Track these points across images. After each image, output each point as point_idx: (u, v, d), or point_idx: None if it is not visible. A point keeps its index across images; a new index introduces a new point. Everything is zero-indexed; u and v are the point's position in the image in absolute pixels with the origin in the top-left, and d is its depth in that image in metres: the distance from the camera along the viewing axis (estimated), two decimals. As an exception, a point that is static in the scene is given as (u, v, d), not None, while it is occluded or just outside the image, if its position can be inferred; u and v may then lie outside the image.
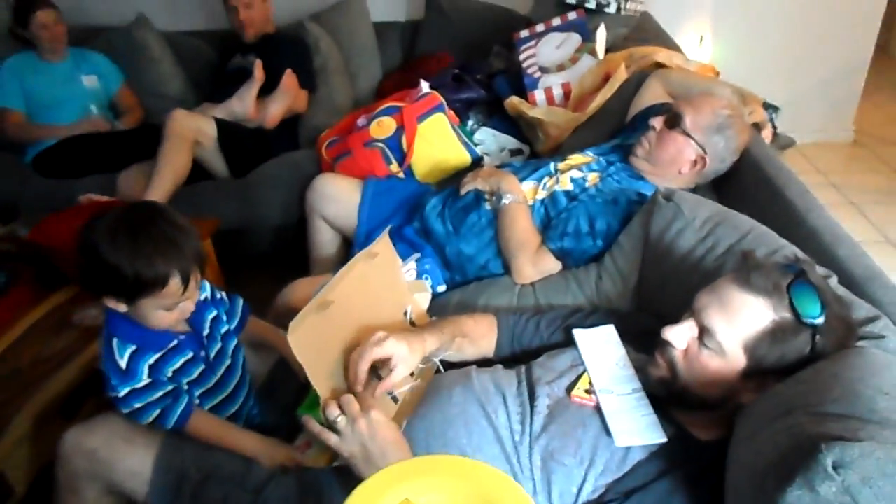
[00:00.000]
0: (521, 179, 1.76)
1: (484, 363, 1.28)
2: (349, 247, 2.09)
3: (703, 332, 1.02)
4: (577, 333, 1.25)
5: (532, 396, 1.13)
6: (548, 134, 2.27)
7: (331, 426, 1.03)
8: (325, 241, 2.13)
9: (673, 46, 2.41)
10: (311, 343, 1.04)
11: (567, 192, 1.71)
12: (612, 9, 2.59)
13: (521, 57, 2.50)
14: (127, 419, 1.22)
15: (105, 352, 1.21)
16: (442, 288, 1.72)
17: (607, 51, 2.42)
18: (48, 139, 2.67)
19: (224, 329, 1.37)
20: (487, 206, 1.76)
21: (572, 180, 1.73)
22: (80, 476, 1.21)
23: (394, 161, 2.20)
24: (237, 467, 1.21)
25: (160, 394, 1.22)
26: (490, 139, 2.45)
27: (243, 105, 2.61)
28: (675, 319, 1.06)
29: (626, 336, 1.23)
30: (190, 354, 1.28)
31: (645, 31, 2.63)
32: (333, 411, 1.02)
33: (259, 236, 2.53)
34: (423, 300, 1.54)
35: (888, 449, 0.73)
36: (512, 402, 1.13)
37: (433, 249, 1.78)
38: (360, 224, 2.00)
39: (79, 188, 2.36)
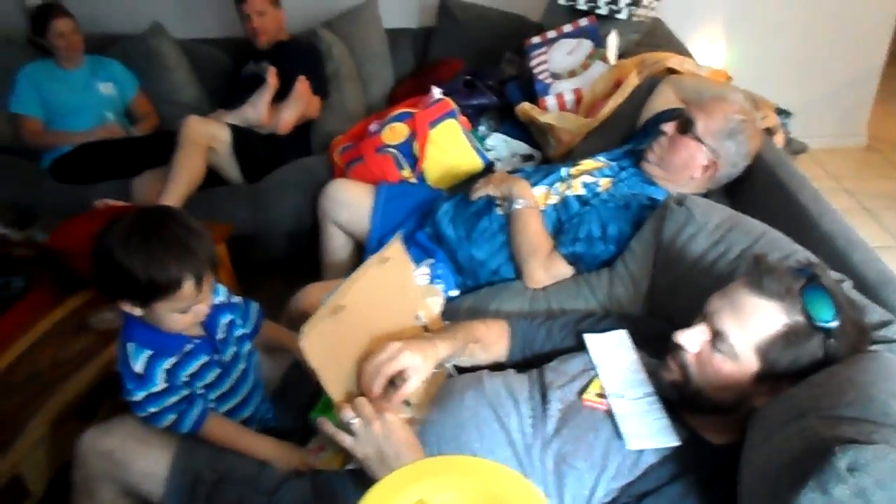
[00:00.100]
0: (533, 185, 1.77)
1: (496, 367, 1.28)
2: (361, 252, 2.10)
3: (716, 336, 1.02)
4: (589, 338, 1.25)
5: (544, 400, 1.13)
6: (559, 139, 2.28)
7: (345, 428, 1.04)
8: (337, 246, 2.14)
9: (684, 52, 2.42)
10: (324, 347, 1.05)
11: (579, 197, 1.71)
12: (623, 15, 2.59)
13: (533, 63, 2.51)
14: (143, 422, 1.23)
15: (121, 356, 1.23)
16: (454, 292, 1.72)
17: (619, 57, 2.43)
18: (65, 145, 2.70)
19: (239, 333, 1.38)
20: (499, 211, 1.76)
21: (584, 185, 1.73)
22: (97, 477, 1.22)
23: (406, 166, 2.21)
24: (251, 470, 1.22)
25: (176, 398, 1.22)
26: (501, 145, 2.46)
27: (256, 111, 2.64)
28: (687, 324, 1.06)
29: (637, 340, 1.23)
30: (205, 358, 1.28)
31: (656, 37, 2.64)
32: (348, 413, 1.03)
33: (272, 241, 2.55)
34: (435, 305, 1.54)
35: (902, 452, 0.73)
36: (524, 405, 1.13)
37: (445, 254, 1.79)
38: (372, 229, 2.01)
39: (95, 194, 2.39)
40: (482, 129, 2.49)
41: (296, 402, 1.39)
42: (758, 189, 1.67)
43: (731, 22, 3.32)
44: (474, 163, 2.25)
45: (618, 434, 1.05)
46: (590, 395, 1.12)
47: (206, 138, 2.45)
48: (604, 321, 1.34)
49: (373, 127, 2.34)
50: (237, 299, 1.42)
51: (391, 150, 2.22)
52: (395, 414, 1.06)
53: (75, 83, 2.81)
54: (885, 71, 3.59)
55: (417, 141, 2.19)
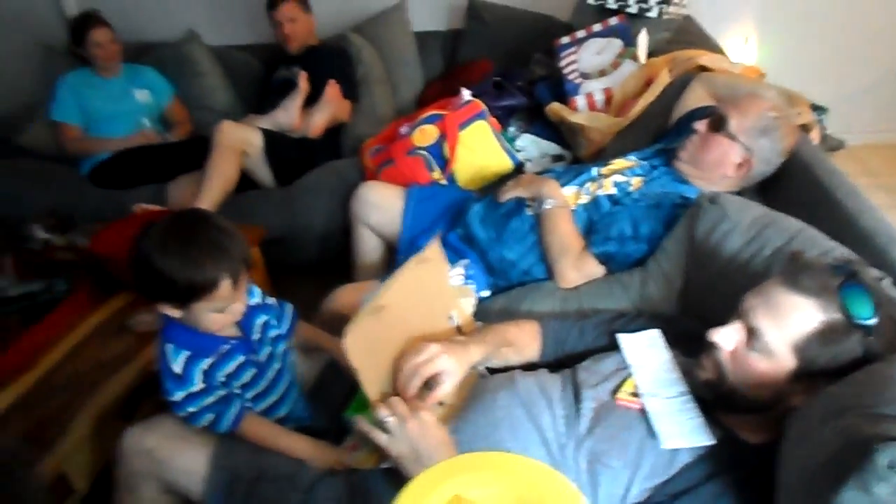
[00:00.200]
0: (563, 185, 1.77)
1: (528, 367, 1.29)
2: (393, 254, 2.11)
3: (751, 334, 1.01)
4: (622, 338, 1.24)
5: (577, 399, 1.13)
6: (590, 139, 2.27)
7: (380, 426, 1.05)
8: (368, 248, 2.16)
9: (716, 49, 2.39)
10: (364, 346, 1.06)
11: (610, 197, 1.70)
12: (653, 13, 2.57)
13: (562, 63, 2.50)
14: (182, 421, 1.26)
15: (160, 357, 1.25)
16: (486, 293, 1.73)
17: (649, 55, 2.41)
18: (103, 152, 2.76)
19: (274, 333, 1.40)
20: (529, 212, 1.76)
21: (616, 185, 1.72)
22: (138, 475, 1.25)
23: (436, 168, 2.22)
24: (288, 468, 1.24)
25: (213, 398, 1.25)
26: (531, 145, 2.46)
27: (288, 115, 2.68)
28: (721, 322, 1.05)
29: (670, 340, 1.22)
30: (241, 359, 1.31)
31: (688, 34, 2.61)
32: (383, 411, 1.04)
33: (304, 243, 2.57)
34: (468, 305, 1.55)
35: (945, 450, 0.72)
36: (557, 405, 1.13)
37: (476, 255, 1.80)
38: (403, 231, 2.02)
39: (132, 199, 2.43)
40: (512, 130, 2.49)
41: (331, 401, 1.40)
42: (794, 187, 1.64)
43: (763, 17, 3.27)
44: (504, 164, 2.25)
45: (652, 433, 1.04)
46: (623, 395, 1.12)
47: (240, 143, 2.49)
48: (636, 320, 1.33)
49: (403, 129, 2.35)
50: (272, 301, 1.44)
51: (421, 152, 2.23)
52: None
53: (113, 91, 2.87)
54: (924, 65, 3.51)
55: (447, 143, 2.20)
